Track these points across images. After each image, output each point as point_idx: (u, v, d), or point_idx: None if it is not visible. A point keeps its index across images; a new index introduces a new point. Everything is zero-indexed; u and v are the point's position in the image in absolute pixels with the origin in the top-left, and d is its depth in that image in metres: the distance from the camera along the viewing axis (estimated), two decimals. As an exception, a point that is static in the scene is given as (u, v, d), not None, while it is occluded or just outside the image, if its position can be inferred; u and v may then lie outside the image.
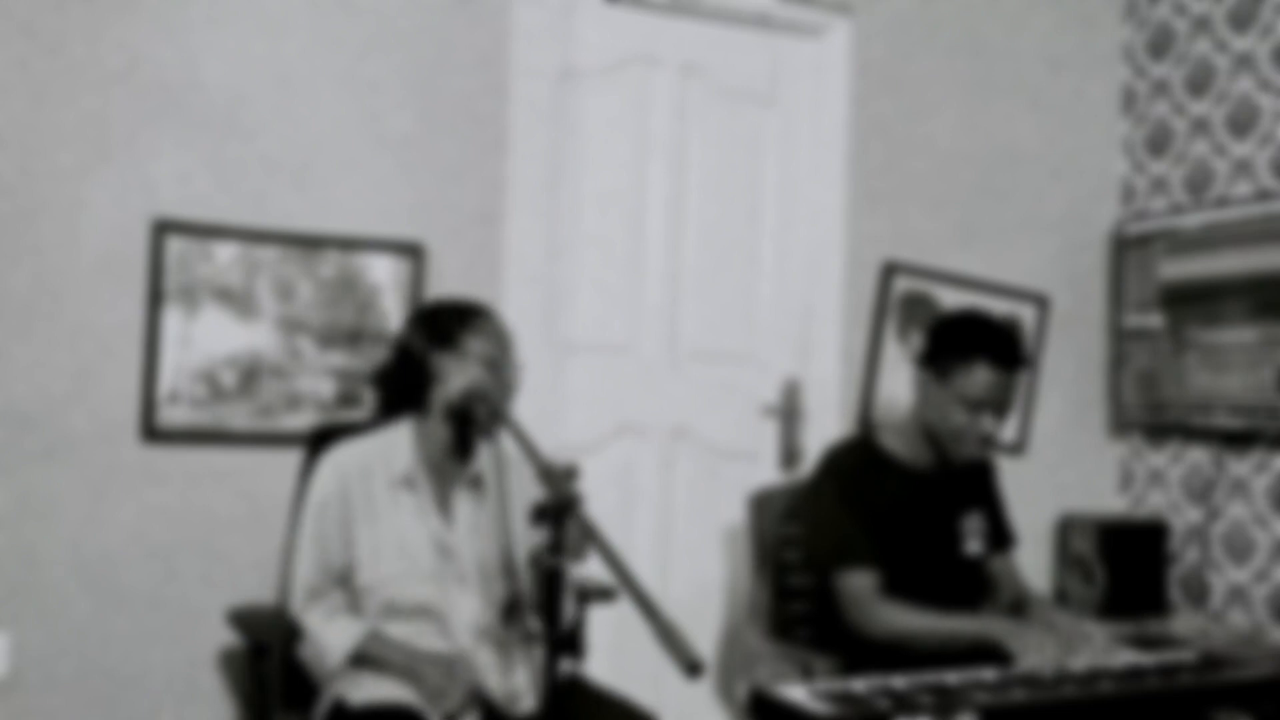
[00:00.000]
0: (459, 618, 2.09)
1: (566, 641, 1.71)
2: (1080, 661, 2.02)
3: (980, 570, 2.48)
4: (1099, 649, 2.07)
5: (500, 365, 2.11)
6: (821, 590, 2.38)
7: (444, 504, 2.14)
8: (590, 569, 2.10)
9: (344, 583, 2.12)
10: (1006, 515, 2.57)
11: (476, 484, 2.16)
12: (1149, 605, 3.28)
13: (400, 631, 2.09)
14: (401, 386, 2.16)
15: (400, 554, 2.09)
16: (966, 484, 2.47)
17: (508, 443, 2.00)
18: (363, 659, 2.06)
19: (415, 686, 2.01)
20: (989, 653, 2.08)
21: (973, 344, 2.30)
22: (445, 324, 2.13)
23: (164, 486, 2.59)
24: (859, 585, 2.28)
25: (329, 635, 2.07)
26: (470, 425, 2.11)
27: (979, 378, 2.27)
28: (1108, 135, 3.64)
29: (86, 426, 2.53)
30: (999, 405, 2.30)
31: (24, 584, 2.49)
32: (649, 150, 3.14)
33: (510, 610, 2.16)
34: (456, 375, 2.07)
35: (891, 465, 2.41)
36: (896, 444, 2.43)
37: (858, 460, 2.41)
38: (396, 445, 2.14)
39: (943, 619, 2.21)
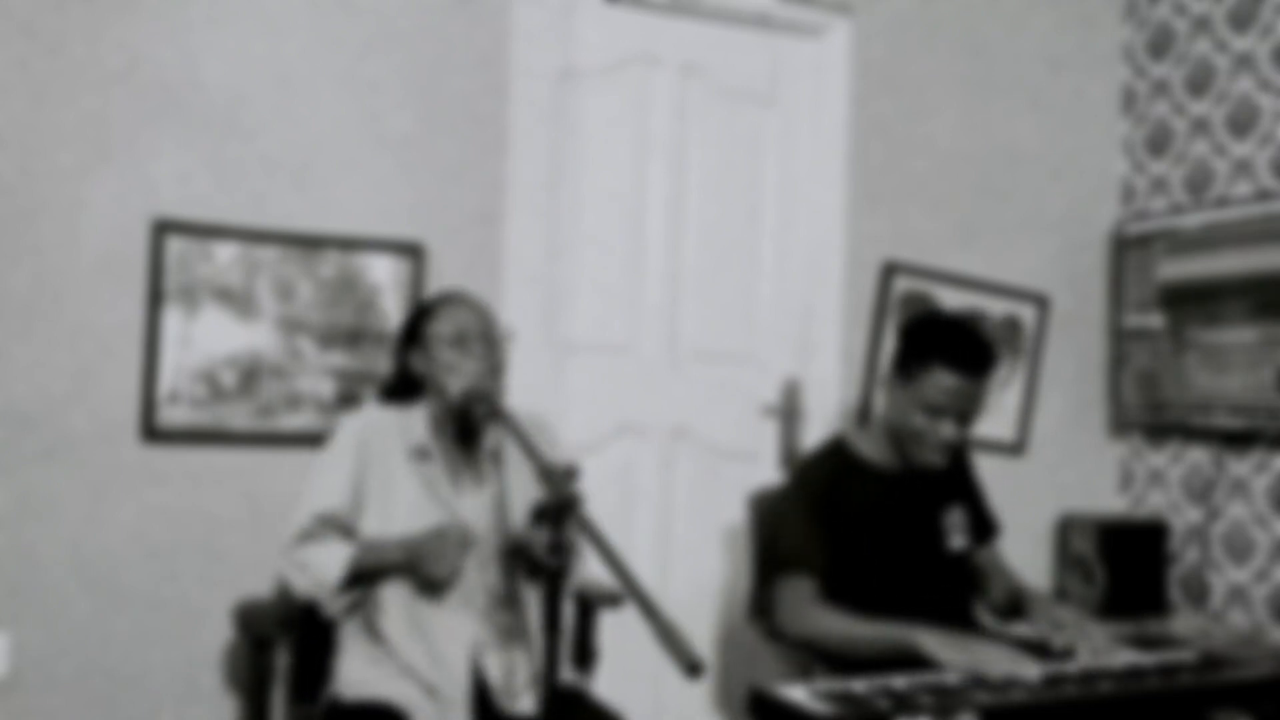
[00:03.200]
0: (469, 589, 2.11)
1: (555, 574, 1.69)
2: (996, 668, 1.94)
3: (966, 565, 2.47)
4: (1004, 658, 1.98)
5: (468, 339, 2.14)
6: (760, 595, 2.39)
7: (456, 479, 2.17)
8: (593, 570, 2.10)
9: (346, 534, 2.14)
10: (987, 505, 2.55)
11: (494, 460, 2.20)
12: (1149, 605, 3.28)
13: (406, 597, 2.11)
14: (400, 393, 2.25)
15: (410, 524, 2.11)
16: (944, 480, 2.44)
17: (507, 438, 2.02)
18: (361, 576, 2.09)
19: (418, 566, 2.04)
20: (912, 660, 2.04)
21: (932, 348, 2.26)
22: (412, 324, 2.24)
23: (164, 486, 2.59)
24: (796, 590, 2.26)
25: (322, 556, 2.10)
26: (470, 421, 2.17)
27: (937, 382, 2.24)
28: (1108, 135, 3.64)
29: (86, 426, 2.53)
30: (961, 412, 2.27)
31: (24, 584, 2.49)
32: (649, 150, 3.14)
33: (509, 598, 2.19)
34: (434, 368, 2.14)
35: (864, 469, 2.39)
36: (869, 448, 2.41)
37: (828, 468, 2.39)
38: (414, 419, 2.19)
39: (861, 625, 2.17)
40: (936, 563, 2.40)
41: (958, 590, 2.44)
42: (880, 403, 2.95)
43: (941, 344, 2.26)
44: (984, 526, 2.52)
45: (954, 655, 1.99)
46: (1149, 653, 2.20)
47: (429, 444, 2.16)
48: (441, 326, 2.16)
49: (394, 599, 2.12)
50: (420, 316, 2.23)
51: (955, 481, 2.48)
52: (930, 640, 2.04)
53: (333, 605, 2.10)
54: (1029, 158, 3.50)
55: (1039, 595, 2.50)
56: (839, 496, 2.33)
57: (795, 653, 2.36)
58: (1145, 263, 3.41)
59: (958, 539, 2.43)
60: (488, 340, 2.16)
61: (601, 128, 3.08)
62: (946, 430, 2.26)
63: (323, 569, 2.08)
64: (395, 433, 2.16)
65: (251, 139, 2.67)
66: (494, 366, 2.15)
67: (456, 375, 2.11)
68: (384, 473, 2.14)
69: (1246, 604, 3.20)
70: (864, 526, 2.33)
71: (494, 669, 2.10)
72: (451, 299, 2.24)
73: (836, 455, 2.42)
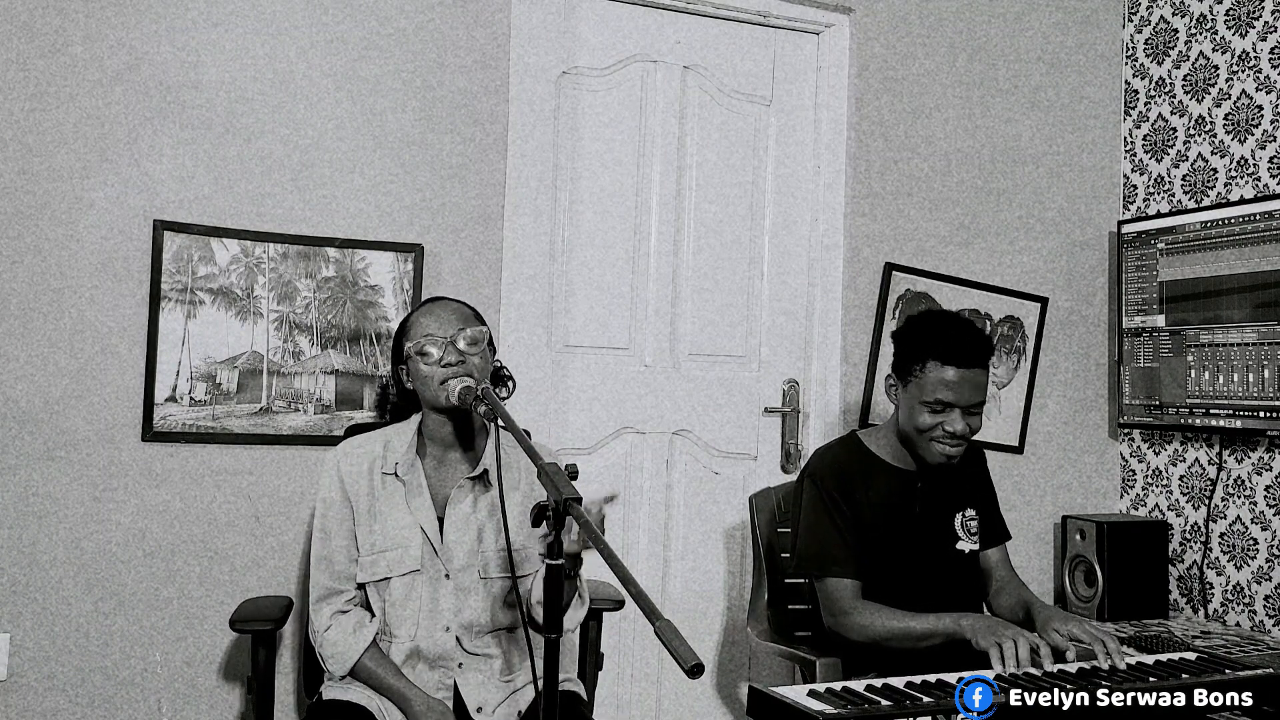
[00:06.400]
0: (445, 608, 2.12)
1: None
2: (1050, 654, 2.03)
3: (974, 566, 2.48)
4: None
5: (450, 340, 2.12)
6: (810, 592, 2.43)
7: (441, 497, 2.17)
8: (593, 571, 2.09)
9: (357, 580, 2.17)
10: (998, 511, 2.56)
11: (482, 479, 2.18)
12: (1149, 605, 3.28)
13: (392, 614, 2.14)
14: (396, 405, 2.31)
15: (391, 544, 2.14)
16: (959, 481, 2.46)
17: (505, 441, 2.01)
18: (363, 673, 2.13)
19: (405, 711, 2.08)
20: (962, 650, 2.09)
21: (924, 345, 2.29)
22: (397, 337, 2.25)
23: (164, 486, 2.59)
24: (838, 591, 2.30)
25: (339, 648, 2.12)
26: (463, 421, 2.18)
27: (934, 377, 2.26)
28: (1108, 135, 3.64)
29: (86, 426, 2.53)
30: (964, 404, 2.27)
31: (24, 584, 2.49)
32: (649, 150, 3.14)
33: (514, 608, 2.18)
34: (417, 382, 2.16)
35: (879, 465, 2.41)
36: (881, 447, 2.44)
37: (845, 462, 2.42)
38: (397, 440, 2.21)
39: (914, 619, 2.20)
40: (945, 561, 2.42)
41: (967, 588, 2.45)
42: (879, 409, 2.94)
43: (932, 340, 2.28)
44: (992, 532, 2.53)
45: (992, 639, 2.03)
46: (1149, 653, 2.20)
47: (406, 463, 2.17)
48: (419, 342, 2.14)
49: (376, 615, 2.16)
50: (400, 331, 2.24)
51: (969, 484, 2.49)
52: (967, 622, 2.11)
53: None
54: (1029, 158, 3.50)
55: (1045, 606, 2.48)
56: (856, 486, 2.36)
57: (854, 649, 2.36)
58: (1145, 263, 3.41)
59: (966, 542, 2.44)
60: (467, 340, 2.14)
61: (601, 128, 3.08)
62: (954, 423, 2.27)
63: (335, 662, 2.12)
64: (377, 455, 2.18)
65: (251, 139, 2.67)
66: (473, 364, 2.13)
67: (441, 387, 2.10)
68: (370, 504, 2.16)
69: (1246, 604, 3.20)
70: (875, 520, 2.35)
71: (472, 690, 2.12)
72: (423, 309, 2.23)
73: (852, 449, 2.45)
